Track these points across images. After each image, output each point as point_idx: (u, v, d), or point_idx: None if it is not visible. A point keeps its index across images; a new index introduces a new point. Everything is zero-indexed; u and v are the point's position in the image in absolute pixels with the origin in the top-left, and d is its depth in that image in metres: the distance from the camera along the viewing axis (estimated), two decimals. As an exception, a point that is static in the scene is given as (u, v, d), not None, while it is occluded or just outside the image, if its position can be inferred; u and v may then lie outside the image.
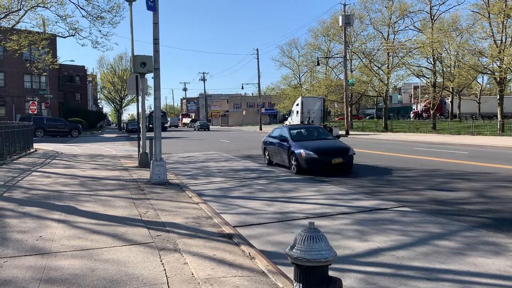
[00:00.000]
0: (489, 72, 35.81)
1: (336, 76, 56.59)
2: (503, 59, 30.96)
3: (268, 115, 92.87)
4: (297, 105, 43.28)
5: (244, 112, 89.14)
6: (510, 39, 32.57)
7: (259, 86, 63.20)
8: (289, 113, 49.07)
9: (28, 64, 29.16)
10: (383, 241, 5.70)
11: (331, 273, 3.23)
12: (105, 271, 4.40)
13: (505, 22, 31.53)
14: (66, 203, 8.03)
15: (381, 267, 4.80)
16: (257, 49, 61.50)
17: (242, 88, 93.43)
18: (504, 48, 31.35)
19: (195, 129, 73.91)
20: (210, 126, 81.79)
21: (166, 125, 61.98)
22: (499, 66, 32.34)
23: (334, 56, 54.67)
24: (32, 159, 16.80)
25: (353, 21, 41.53)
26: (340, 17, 40.00)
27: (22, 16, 20.97)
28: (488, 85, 65.01)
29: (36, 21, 25.71)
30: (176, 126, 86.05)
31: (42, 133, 37.65)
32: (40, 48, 23.52)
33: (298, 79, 68.41)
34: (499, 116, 33.00)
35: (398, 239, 5.81)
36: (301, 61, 66.50)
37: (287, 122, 46.73)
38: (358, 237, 5.94)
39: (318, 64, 49.04)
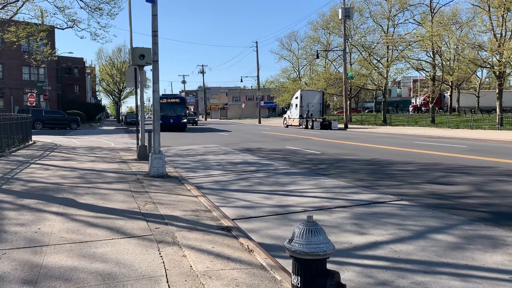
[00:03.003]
0: (488, 66, 35.79)
1: (335, 69, 56.54)
2: (503, 53, 30.91)
3: (267, 108, 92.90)
4: (296, 98, 43.30)
5: (243, 105, 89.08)
6: (510, 33, 32.51)
7: (258, 79, 63.11)
8: (288, 106, 49.09)
9: (26, 56, 29.09)
10: (381, 235, 5.72)
11: (329, 266, 3.24)
12: (103, 264, 4.41)
13: (505, 16, 31.44)
14: (64, 195, 8.03)
15: (379, 260, 4.81)
16: (256, 42, 61.35)
17: (241, 81, 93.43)
18: (503, 42, 31.29)
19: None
20: (208, 119, 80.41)
21: (184, 120, 37.66)
22: (498, 60, 32.30)
23: (333, 49, 54.58)
24: (30, 152, 16.78)
25: (352, 14, 41.43)
26: (340, 10, 39.85)
27: (20, 7, 20.89)
28: (487, 79, 65.04)
29: (34, 13, 25.61)
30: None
31: (41, 125, 37.57)
32: (38, 39, 23.45)
33: (297, 72, 68.31)
34: (498, 110, 33.03)
35: (396, 232, 5.83)
36: (300, 54, 66.42)
37: (286, 116, 46.76)
38: (356, 230, 5.96)
39: (318, 57, 48.97)
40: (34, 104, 32.07)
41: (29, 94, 29.79)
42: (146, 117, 41.50)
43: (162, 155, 10.84)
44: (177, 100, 38.55)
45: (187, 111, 45.48)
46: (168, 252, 4.81)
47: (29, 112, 26.27)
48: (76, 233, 5.56)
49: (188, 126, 47.59)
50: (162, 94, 40.23)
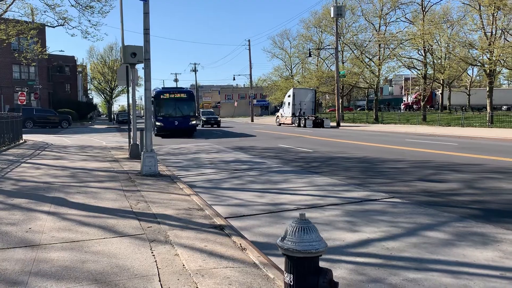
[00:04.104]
0: (479, 64, 36.09)
1: (327, 68, 56.73)
2: (493, 51, 31.20)
3: (259, 106, 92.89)
4: (289, 96, 43.35)
5: (235, 104, 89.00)
6: (500, 31, 32.81)
7: (250, 78, 63.06)
8: (281, 104, 49.13)
9: (17, 54, 28.75)
10: (373, 232, 5.74)
11: (321, 263, 3.25)
12: (95, 263, 4.39)
13: (495, 14, 31.71)
14: (56, 195, 7.97)
15: (371, 257, 4.83)
16: (248, 40, 61.17)
17: (234, 79, 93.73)
18: (494, 40, 31.59)
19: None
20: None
21: (193, 121, 28.32)
22: (489, 58, 32.59)
23: (325, 47, 54.75)
24: (21, 151, 16.63)
25: (344, 12, 41.50)
26: (332, 8, 39.92)
27: (10, 5, 20.69)
28: (478, 77, 65.54)
29: (24, 10, 25.37)
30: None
31: (32, 124, 37.24)
32: (28, 37, 23.24)
33: (289, 71, 68.44)
34: (488, 108, 33.33)
35: (388, 230, 5.86)
36: (292, 52, 66.60)
37: (279, 114, 46.79)
38: (348, 228, 5.98)
39: (310, 56, 49.02)
40: (24, 103, 31.79)
41: (19, 92, 29.54)
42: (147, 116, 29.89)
43: (154, 154, 10.80)
44: (184, 95, 28.62)
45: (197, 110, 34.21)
46: (161, 251, 4.80)
47: (19, 111, 26.05)
48: (67, 232, 5.52)
49: (205, 128, 38.60)
50: (163, 88, 30.89)
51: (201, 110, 44.78)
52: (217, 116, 45.00)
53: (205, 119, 42.47)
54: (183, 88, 31.44)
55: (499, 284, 4.09)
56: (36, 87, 44.62)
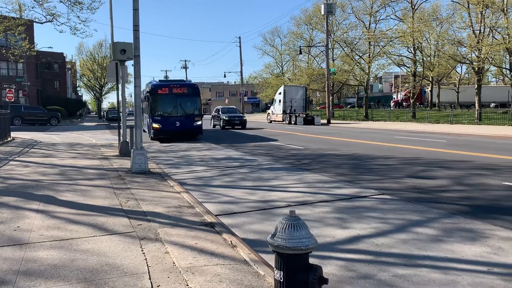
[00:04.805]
0: (467, 61, 36.45)
1: (318, 65, 56.84)
2: (481, 49, 31.51)
3: (250, 103, 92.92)
4: (280, 94, 43.37)
5: (226, 101, 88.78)
6: (488, 30, 33.11)
7: (241, 75, 62.97)
8: (272, 101, 49.12)
9: (4, 51, 28.40)
10: (363, 229, 5.78)
11: (311, 260, 3.26)
12: (85, 261, 4.36)
13: (483, 13, 32.02)
14: (45, 193, 7.90)
15: (361, 254, 4.86)
16: (239, 37, 61.21)
17: (225, 76, 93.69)
18: (482, 38, 31.90)
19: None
20: None
21: (199, 122, 22.22)
22: (477, 56, 32.92)
23: (316, 45, 54.83)
24: (9, 148, 16.45)
25: (335, 10, 41.58)
26: (322, 6, 39.99)
27: (-4, 1, 20.40)
28: (466, 75, 66.16)
29: (12, 6, 25.05)
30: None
31: (20, 122, 36.83)
32: (16, 34, 22.93)
33: (280, 68, 68.52)
34: (476, 105, 33.68)
35: (378, 226, 5.90)
36: (283, 49, 66.70)
37: (269, 111, 46.80)
38: (338, 224, 6.01)
39: (301, 53, 49.11)
40: (12, 100, 31.46)
41: (7, 89, 29.22)
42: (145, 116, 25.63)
43: (144, 151, 10.74)
44: (187, 89, 22.54)
45: (202, 107, 27.68)
46: (151, 248, 4.78)
47: (7, 108, 25.74)
48: (56, 230, 5.48)
49: (226, 129, 31.74)
50: (160, 80, 25.12)
51: (220, 107, 36.28)
52: (242, 114, 35.97)
53: (227, 118, 32.91)
54: (185, 81, 25.04)
55: (487, 279, 4.14)
56: (24, 84, 44.16)
